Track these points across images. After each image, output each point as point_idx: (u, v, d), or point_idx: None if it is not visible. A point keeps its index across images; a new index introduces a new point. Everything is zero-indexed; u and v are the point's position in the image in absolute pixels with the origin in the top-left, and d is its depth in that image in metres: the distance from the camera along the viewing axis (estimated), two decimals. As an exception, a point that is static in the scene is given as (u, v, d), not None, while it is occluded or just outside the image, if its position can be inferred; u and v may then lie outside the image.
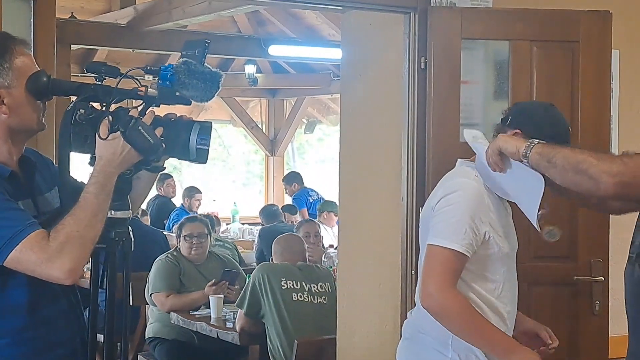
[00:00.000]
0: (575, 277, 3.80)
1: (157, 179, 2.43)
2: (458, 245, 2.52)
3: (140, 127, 2.04)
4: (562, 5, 3.88)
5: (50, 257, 1.95)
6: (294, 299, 4.53)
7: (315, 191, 10.17)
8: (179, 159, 2.17)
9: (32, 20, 3.34)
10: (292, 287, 4.55)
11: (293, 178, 10.38)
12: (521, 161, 2.40)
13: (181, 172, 13.28)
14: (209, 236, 5.53)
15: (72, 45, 7.39)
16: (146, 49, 8.18)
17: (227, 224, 9.92)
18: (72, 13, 7.58)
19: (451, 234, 2.52)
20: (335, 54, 7.96)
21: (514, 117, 2.70)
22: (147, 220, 8.26)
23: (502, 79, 3.84)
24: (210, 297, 5.00)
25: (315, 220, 7.73)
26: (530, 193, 2.46)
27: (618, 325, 2.56)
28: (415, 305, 2.84)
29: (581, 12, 3.82)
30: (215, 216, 8.71)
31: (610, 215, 3.87)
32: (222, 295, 5.03)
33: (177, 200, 9.74)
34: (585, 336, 3.79)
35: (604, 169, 2.18)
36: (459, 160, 2.79)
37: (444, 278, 2.51)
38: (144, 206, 8.32)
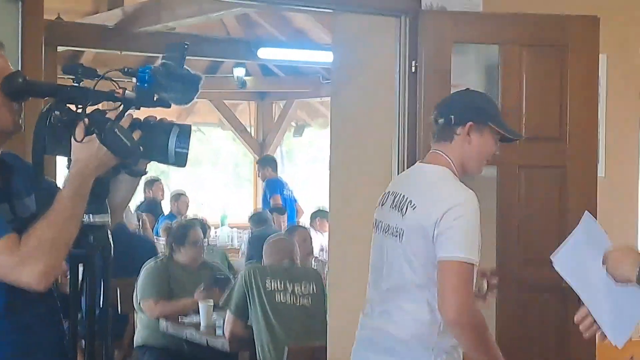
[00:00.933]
0: (564, 284, 3.78)
1: (144, 183, 2.38)
2: (474, 258, 2.58)
3: (116, 130, 1.99)
4: (551, 9, 3.89)
5: (21, 261, 1.91)
6: (276, 300, 4.52)
7: (289, 188, 9.91)
8: (158, 162, 2.12)
9: (19, 21, 3.31)
10: (276, 288, 4.55)
11: (268, 162, 10.10)
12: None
13: (169, 175, 13.23)
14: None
15: (58, 47, 7.33)
16: (134, 51, 8.14)
17: (215, 229, 9.86)
18: (58, 14, 7.51)
19: (469, 246, 2.57)
20: (325, 57, 7.94)
21: (457, 113, 2.70)
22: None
23: (492, 82, 3.85)
24: (200, 304, 4.95)
25: (305, 226, 7.70)
26: (628, 310, 2.30)
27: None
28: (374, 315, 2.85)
29: (570, 16, 3.84)
30: (204, 221, 8.67)
31: (603, 221, 3.87)
32: (212, 302, 4.99)
33: (166, 204, 9.68)
34: (574, 343, 3.78)
35: None
36: (419, 162, 2.82)
37: (469, 294, 2.57)
38: (133, 209, 8.27)
